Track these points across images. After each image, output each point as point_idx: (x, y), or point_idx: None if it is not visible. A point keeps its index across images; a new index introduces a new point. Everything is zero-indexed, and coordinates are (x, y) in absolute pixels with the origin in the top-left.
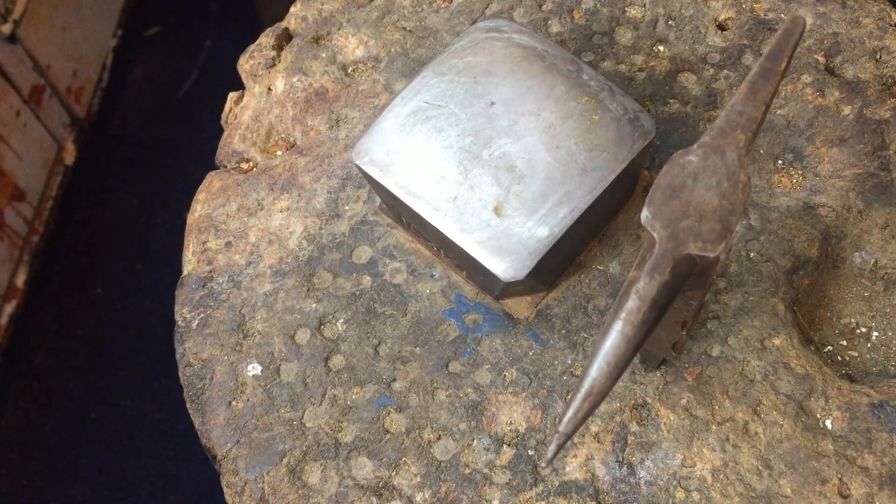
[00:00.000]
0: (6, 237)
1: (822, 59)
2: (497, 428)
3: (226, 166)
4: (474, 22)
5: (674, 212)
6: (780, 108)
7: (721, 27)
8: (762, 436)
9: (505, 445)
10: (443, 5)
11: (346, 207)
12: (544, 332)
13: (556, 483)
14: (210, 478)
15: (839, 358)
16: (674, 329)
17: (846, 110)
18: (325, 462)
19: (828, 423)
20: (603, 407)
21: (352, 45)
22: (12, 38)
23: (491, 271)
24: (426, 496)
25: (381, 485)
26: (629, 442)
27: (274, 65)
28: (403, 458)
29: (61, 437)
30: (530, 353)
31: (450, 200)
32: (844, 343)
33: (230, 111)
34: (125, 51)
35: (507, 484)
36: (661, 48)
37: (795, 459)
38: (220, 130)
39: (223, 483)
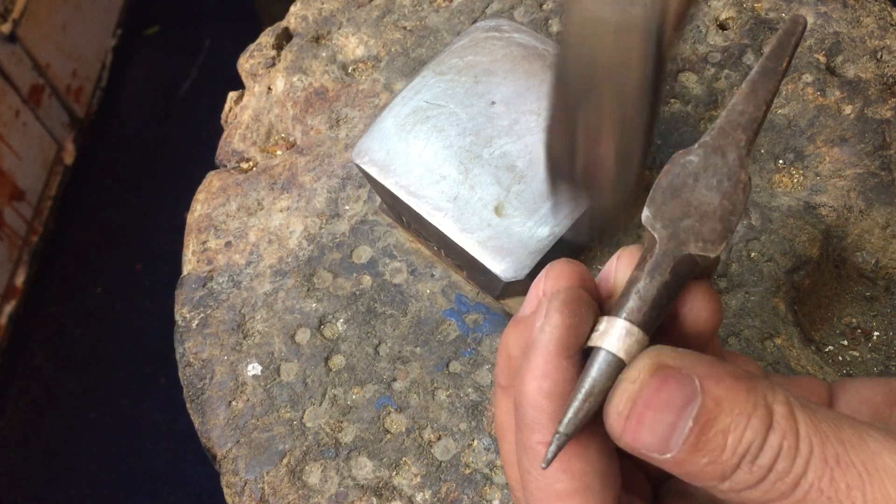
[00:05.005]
0: (5, 237)
1: (822, 59)
2: None
3: (226, 166)
4: (475, 21)
5: (674, 212)
6: (780, 107)
7: (722, 26)
8: None
9: None
10: (443, 4)
11: (346, 207)
12: None
13: None
14: (210, 478)
15: (840, 358)
16: None
17: (847, 110)
18: (326, 462)
19: None
20: None
21: (352, 45)
22: (12, 38)
23: (491, 271)
24: (426, 496)
25: (381, 485)
26: None
27: (274, 64)
28: (404, 459)
29: (61, 436)
30: None
31: (450, 200)
32: (845, 343)
33: (230, 111)
34: (125, 50)
35: (507, 484)
36: None
37: None
38: (220, 130)
39: (223, 483)
